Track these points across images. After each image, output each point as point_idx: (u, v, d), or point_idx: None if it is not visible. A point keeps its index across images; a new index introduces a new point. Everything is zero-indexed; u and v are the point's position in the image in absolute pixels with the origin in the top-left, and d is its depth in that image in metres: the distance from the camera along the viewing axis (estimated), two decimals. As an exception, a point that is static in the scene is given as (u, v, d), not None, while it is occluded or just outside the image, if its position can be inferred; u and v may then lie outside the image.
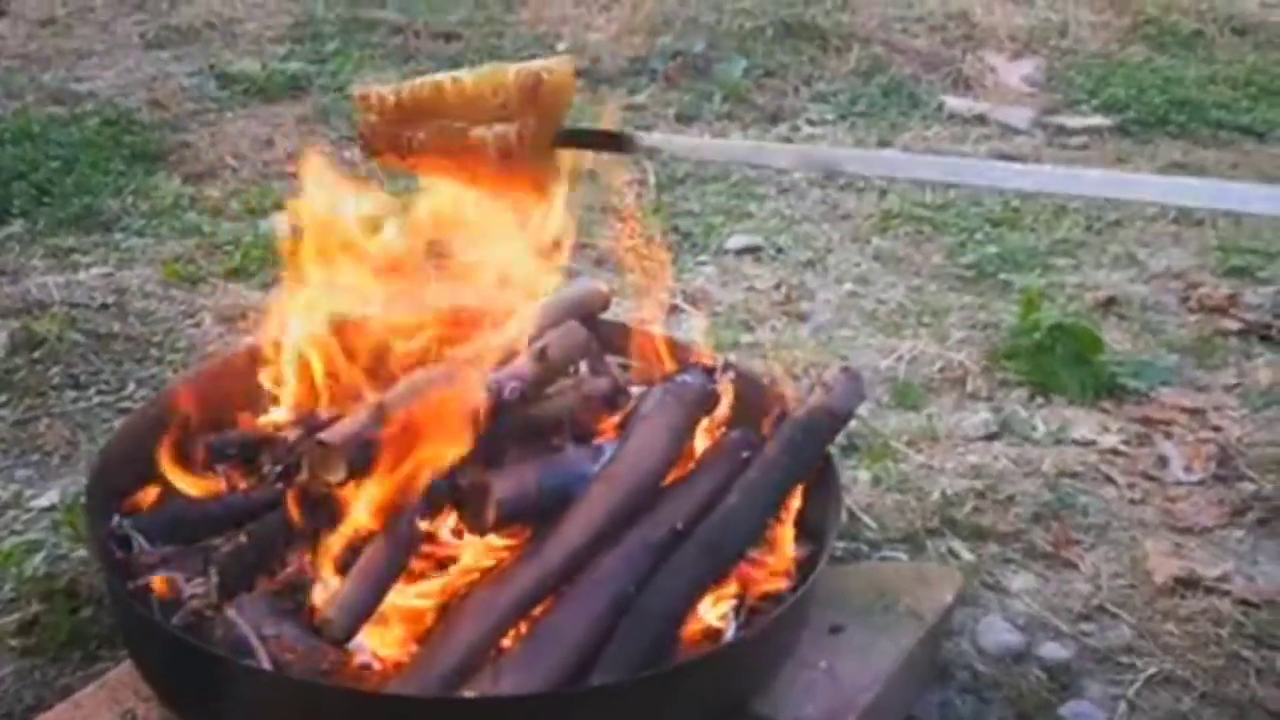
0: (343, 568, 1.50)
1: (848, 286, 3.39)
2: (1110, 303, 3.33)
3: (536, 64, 1.57)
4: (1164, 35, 5.85)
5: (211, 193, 3.73)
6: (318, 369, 1.74)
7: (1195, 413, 2.76)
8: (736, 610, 1.65)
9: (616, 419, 1.82)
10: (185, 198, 3.67)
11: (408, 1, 5.66)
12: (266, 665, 1.44)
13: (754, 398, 1.92)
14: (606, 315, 2.11)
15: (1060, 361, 2.89)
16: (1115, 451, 2.61)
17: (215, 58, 4.91)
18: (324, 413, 1.71)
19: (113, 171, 3.78)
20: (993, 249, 3.62)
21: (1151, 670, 1.98)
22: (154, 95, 4.49)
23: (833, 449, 2.41)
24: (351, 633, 1.45)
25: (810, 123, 4.75)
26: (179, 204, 3.63)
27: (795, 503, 1.76)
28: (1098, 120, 4.93)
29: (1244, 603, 2.13)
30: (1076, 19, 6.00)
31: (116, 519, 1.62)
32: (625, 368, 1.97)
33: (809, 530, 1.77)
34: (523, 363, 1.73)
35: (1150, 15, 6.07)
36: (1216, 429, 2.69)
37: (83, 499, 2.02)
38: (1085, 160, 4.49)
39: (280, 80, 4.66)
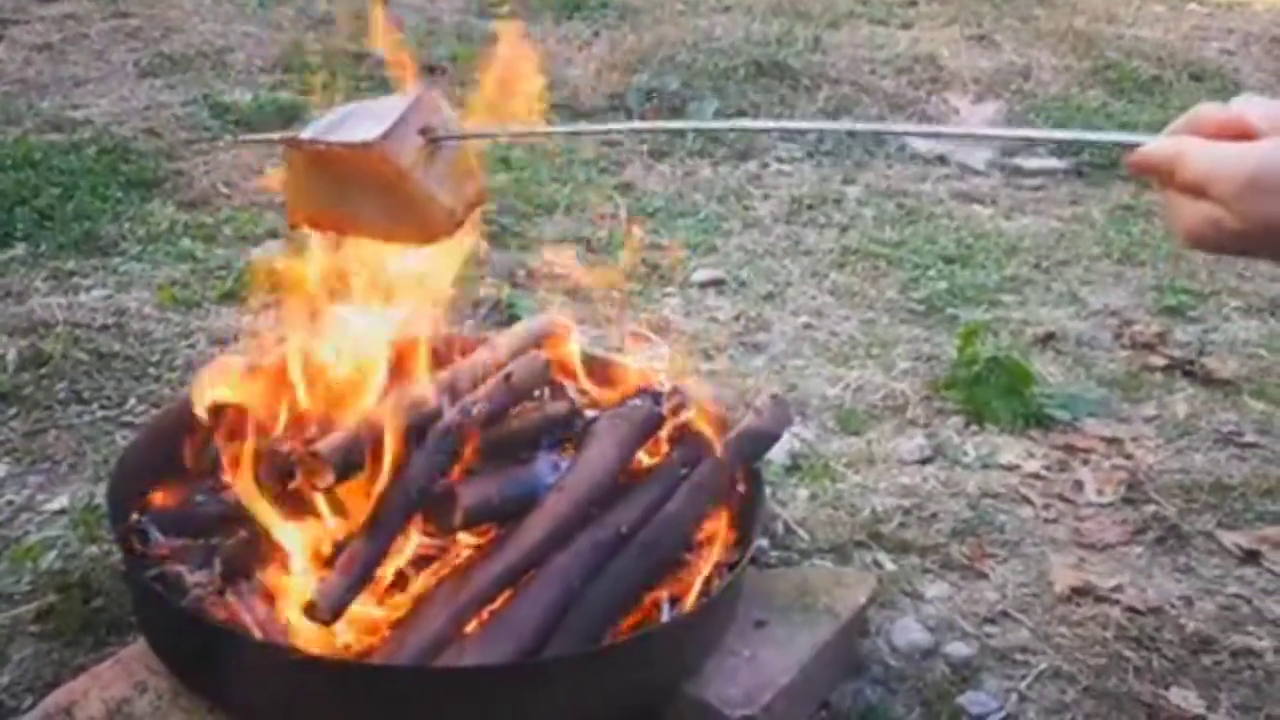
0: (329, 560, 1.74)
1: (803, 319, 3.55)
2: (1049, 338, 3.51)
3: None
4: (1123, 80, 6.02)
5: (205, 219, 3.85)
6: (310, 389, 1.96)
7: (1114, 442, 2.97)
8: (671, 602, 1.88)
9: (572, 437, 2.06)
10: (180, 224, 3.79)
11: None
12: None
13: (696, 420, 2.15)
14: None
15: (994, 392, 3.08)
16: (1036, 476, 2.82)
17: (207, 87, 5.04)
18: (315, 427, 1.93)
19: (110, 198, 3.89)
20: (943, 285, 3.80)
21: (1043, 666, 2.21)
22: (149, 124, 4.61)
23: (776, 469, 2.66)
24: (336, 616, 1.67)
25: (779, 160, 4.90)
26: (174, 230, 3.75)
27: (726, 510, 1.99)
28: (1053, 163, 5.09)
29: (1131, 610, 2.35)
30: (1039, 63, 6.16)
31: (134, 515, 1.85)
32: (583, 392, 2.20)
33: (738, 534, 1.99)
34: (490, 387, 1.95)
35: (1111, 60, 6.22)
36: (1130, 457, 2.90)
37: (98, 504, 2.24)
38: (1038, 200, 4.71)
39: (270, 111, 4.78)
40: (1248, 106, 1.06)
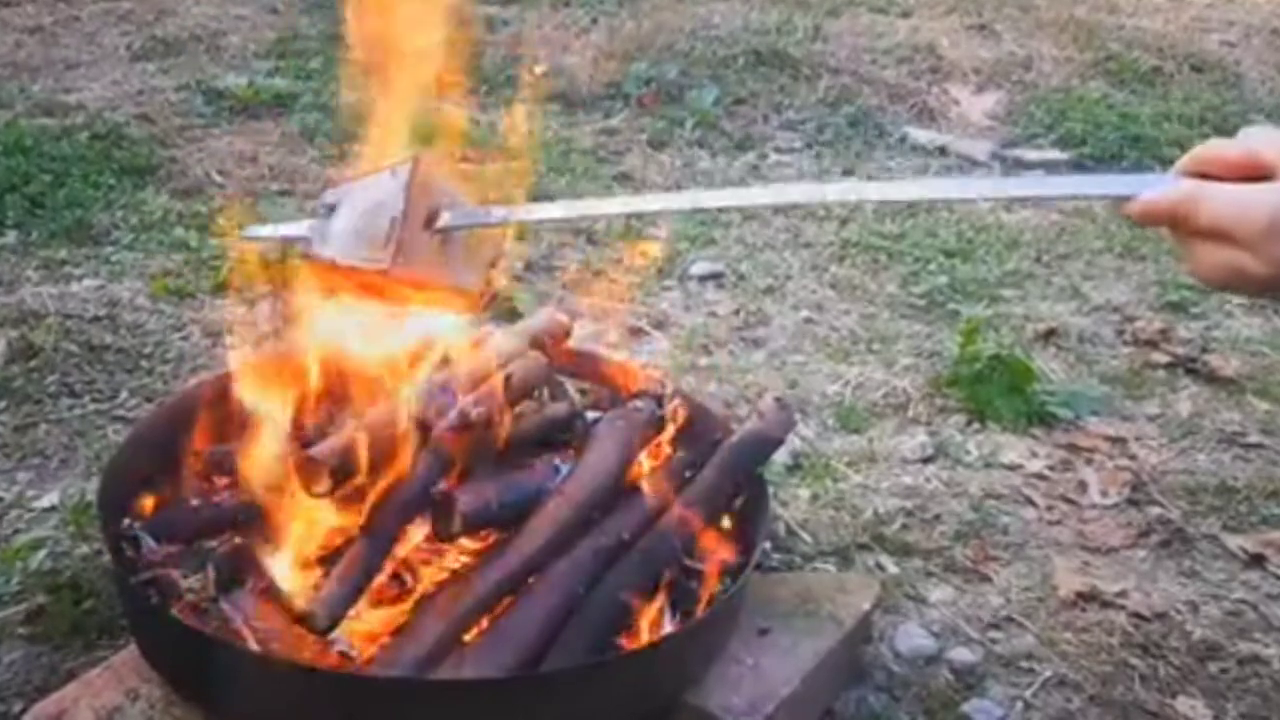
0: (326, 568, 1.70)
1: (804, 313, 3.52)
2: (1051, 334, 3.47)
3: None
4: (1124, 71, 5.96)
5: (198, 208, 3.79)
6: (305, 391, 1.92)
7: (1117, 441, 2.94)
8: (674, 610, 1.85)
9: (573, 440, 2.02)
10: (173, 213, 3.74)
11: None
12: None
13: (699, 422, 2.12)
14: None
15: (996, 390, 3.06)
16: (1039, 476, 2.79)
17: (201, 72, 4.99)
18: (310, 431, 1.90)
19: (103, 185, 3.85)
20: (944, 279, 3.76)
21: (1048, 674, 2.19)
22: (142, 110, 4.57)
23: (777, 468, 2.63)
24: (333, 625, 1.64)
25: (778, 150, 4.88)
26: (167, 219, 3.70)
27: (729, 517, 1.95)
28: (1054, 154, 5.07)
29: (1137, 616, 2.33)
30: (1040, 54, 6.11)
31: (125, 521, 1.81)
32: (583, 392, 2.17)
33: (742, 541, 1.96)
34: (489, 389, 1.92)
35: (1112, 51, 6.16)
36: (1133, 457, 2.87)
37: (90, 501, 2.20)
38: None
39: (265, 97, 4.74)
40: (1258, 140, 1.02)
